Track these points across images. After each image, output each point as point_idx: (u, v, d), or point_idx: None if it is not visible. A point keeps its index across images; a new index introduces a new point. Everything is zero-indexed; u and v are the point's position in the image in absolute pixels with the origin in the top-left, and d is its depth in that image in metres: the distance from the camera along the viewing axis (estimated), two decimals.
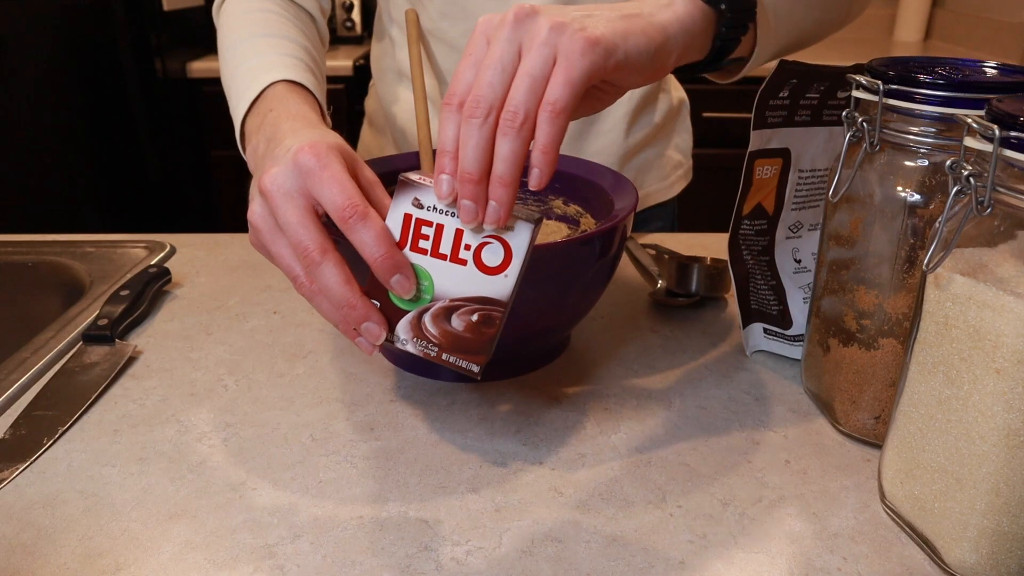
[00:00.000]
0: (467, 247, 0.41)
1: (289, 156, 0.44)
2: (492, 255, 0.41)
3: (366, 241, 0.41)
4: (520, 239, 0.41)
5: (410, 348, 0.43)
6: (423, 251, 0.42)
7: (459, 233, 0.41)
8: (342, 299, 0.42)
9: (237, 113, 0.58)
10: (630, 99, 0.80)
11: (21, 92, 1.63)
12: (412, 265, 0.42)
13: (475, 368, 0.42)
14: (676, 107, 0.89)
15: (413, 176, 0.42)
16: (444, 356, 0.42)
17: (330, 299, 0.43)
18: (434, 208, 0.41)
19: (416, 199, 0.42)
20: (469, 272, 0.41)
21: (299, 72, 0.59)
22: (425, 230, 0.42)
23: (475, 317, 0.42)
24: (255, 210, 0.45)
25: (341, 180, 0.42)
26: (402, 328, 0.43)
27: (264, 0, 0.68)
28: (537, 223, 0.41)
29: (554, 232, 0.68)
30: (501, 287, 0.41)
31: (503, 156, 0.39)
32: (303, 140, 0.44)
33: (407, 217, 0.42)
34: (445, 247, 0.41)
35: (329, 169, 0.43)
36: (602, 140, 0.81)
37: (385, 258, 0.41)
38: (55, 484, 0.47)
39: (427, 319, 0.42)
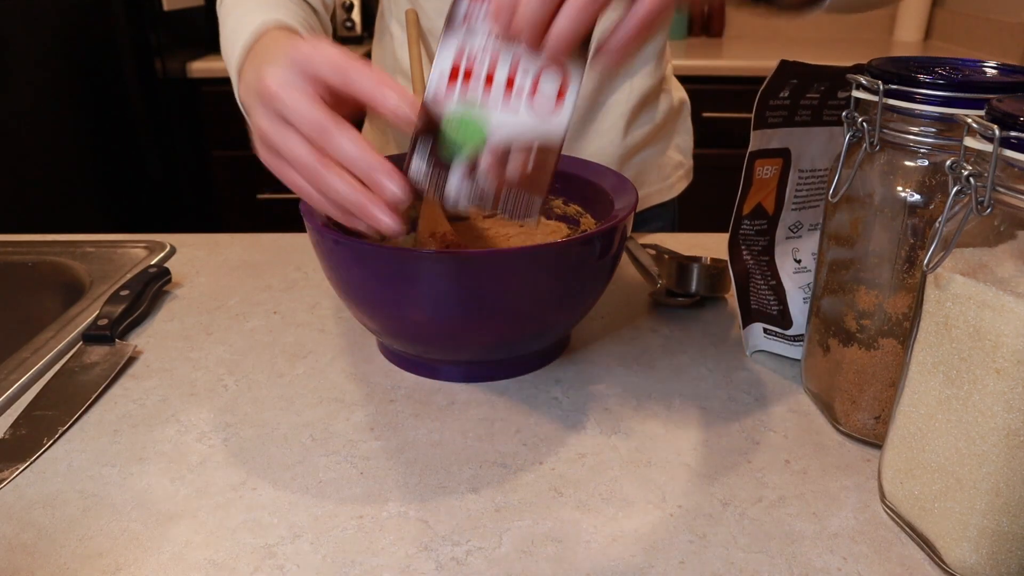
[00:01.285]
0: (519, 91, 0.40)
1: (284, 54, 0.43)
2: (544, 94, 0.40)
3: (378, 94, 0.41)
4: (575, 74, 0.39)
5: (463, 202, 0.41)
6: (472, 99, 0.40)
7: (511, 77, 0.40)
8: (363, 160, 0.41)
9: (234, 59, 0.58)
10: (628, 98, 0.80)
11: (21, 92, 1.63)
12: (462, 116, 0.40)
13: (532, 218, 0.41)
14: (677, 107, 0.89)
15: (461, 8, 0.40)
16: (499, 206, 0.41)
17: (352, 164, 0.41)
18: (482, 51, 0.40)
19: (461, 48, 0.40)
20: (521, 115, 0.40)
21: (294, 22, 0.59)
22: (474, 77, 0.40)
23: (528, 160, 0.41)
24: (259, 114, 0.44)
25: (335, 58, 0.42)
26: (453, 182, 0.41)
27: None
28: (588, 52, 0.39)
29: (554, 232, 0.67)
30: (554, 125, 0.40)
31: None
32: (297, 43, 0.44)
33: (454, 68, 0.40)
34: (495, 92, 0.40)
35: (322, 50, 0.42)
36: (601, 140, 0.81)
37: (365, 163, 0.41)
38: (55, 484, 0.47)
39: (480, 169, 0.41)
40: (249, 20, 0.59)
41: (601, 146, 0.81)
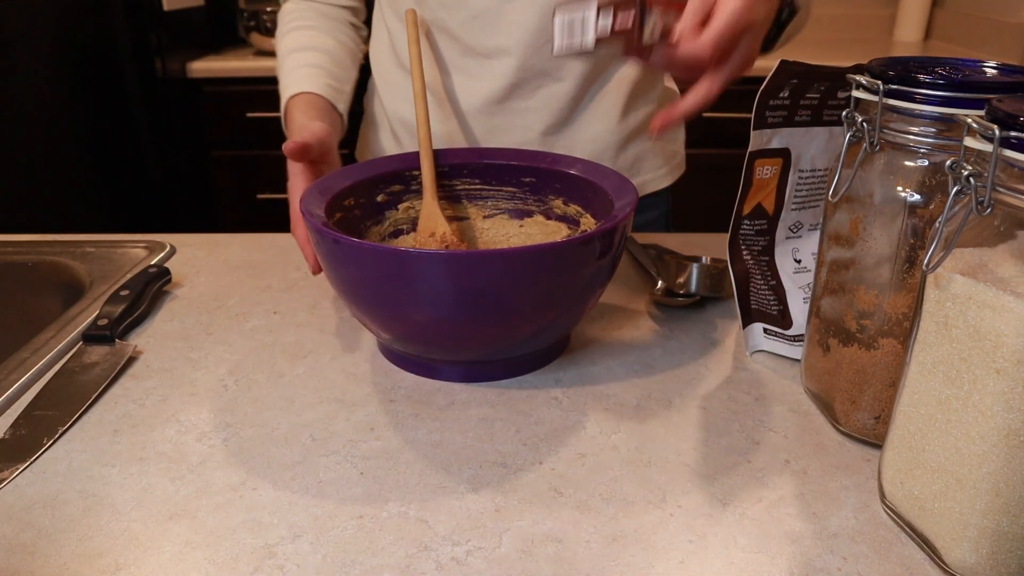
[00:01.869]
0: None
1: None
2: None
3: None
4: None
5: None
6: None
7: None
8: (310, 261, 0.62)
9: (281, 109, 0.77)
10: (620, 85, 0.80)
11: (21, 92, 1.63)
12: None
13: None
14: (670, 97, 0.89)
15: None
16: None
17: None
18: None
19: None
20: None
21: (310, 81, 0.76)
22: None
23: None
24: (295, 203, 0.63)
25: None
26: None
27: (302, 13, 0.84)
28: None
29: (554, 232, 0.67)
30: None
31: None
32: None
33: None
34: None
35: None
36: (598, 125, 0.81)
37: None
38: (55, 484, 0.47)
39: None
40: (285, 83, 0.77)
41: (598, 131, 0.81)
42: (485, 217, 0.70)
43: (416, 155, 0.68)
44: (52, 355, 0.59)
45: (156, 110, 1.92)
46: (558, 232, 0.67)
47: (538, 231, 0.69)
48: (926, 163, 0.44)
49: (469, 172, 0.69)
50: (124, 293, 0.65)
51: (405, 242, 0.69)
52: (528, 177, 0.68)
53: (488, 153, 0.70)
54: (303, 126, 0.66)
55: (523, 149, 0.69)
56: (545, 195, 0.68)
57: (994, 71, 0.45)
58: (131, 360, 0.60)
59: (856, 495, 0.46)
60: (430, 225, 0.66)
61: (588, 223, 0.64)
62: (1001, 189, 0.36)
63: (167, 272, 0.71)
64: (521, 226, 0.70)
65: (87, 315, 0.65)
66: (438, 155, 0.68)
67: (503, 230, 0.70)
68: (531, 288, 0.51)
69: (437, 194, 0.66)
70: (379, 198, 0.66)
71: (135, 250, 0.78)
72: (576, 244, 0.51)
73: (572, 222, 0.66)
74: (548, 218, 0.68)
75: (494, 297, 0.51)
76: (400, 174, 0.67)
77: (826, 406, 0.53)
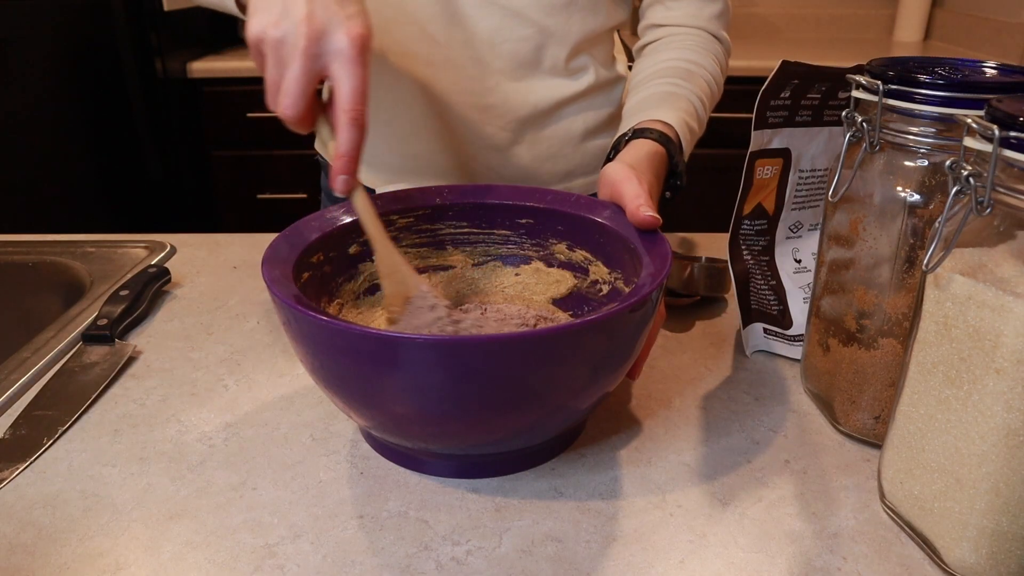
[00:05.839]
0: None
1: (342, 20, 0.47)
2: None
3: (349, 140, 0.47)
4: None
5: None
6: None
7: None
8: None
9: None
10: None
11: (21, 92, 1.63)
12: None
13: None
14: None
15: None
16: None
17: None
18: None
19: None
20: None
21: None
22: None
23: None
24: (273, 36, 0.47)
25: (366, 80, 0.47)
26: None
27: None
28: None
29: (558, 282, 0.60)
30: None
31: None
32: (359, 12, 0.48)
33: None
34: None
35: (365, 65, 0.47)
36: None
37: (349, 161, 0.48)
38: (55, 484, 0.47)
39: None
40: None
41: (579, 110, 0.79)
42: (475, 265, 0.61)
43: (391, 195, 0.58)
44: (52, 355, 0.59)
45: (156, 110, 1.91)
46: (562, 282, 0.59)
47: (537, 280, 0.61)
48: (926, 163, 0.44)
49: (455, 214, 0.59)
50: (124, 293, 0.65)
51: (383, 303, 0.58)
52: (525, 218, 0.59)
53: (477, 191, 0.60)
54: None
55: (518, 186, 0.60)
56: (545, 238, 0.59)
57: (994, 71, 0.45)
58: (131, 360, 0.60)
59: (856, 495, 0.46)
60: (400, 288, 0.53)
61: (599, 272, 0.56)
62: (1001, 189, 0.36)
63: (167, 272, 0.71)
64: (517, 274, 0.61)
65: (87, 315, 0.65)
66: (416, 195, 0.58)
67: (496, 280, 0.62)
68: (575, 367, 0.42)
69: (392, 239, 0.53)
70: (351, 249, 0.56)
71: (135, 250, 0.78)
72: (626, 312, 0.42)
73: (579, 270, 0.58)
74: (549, 265, 0.60)
75: (522, 386, 0.42)
76: None
77: (826, 406, 0.53)
